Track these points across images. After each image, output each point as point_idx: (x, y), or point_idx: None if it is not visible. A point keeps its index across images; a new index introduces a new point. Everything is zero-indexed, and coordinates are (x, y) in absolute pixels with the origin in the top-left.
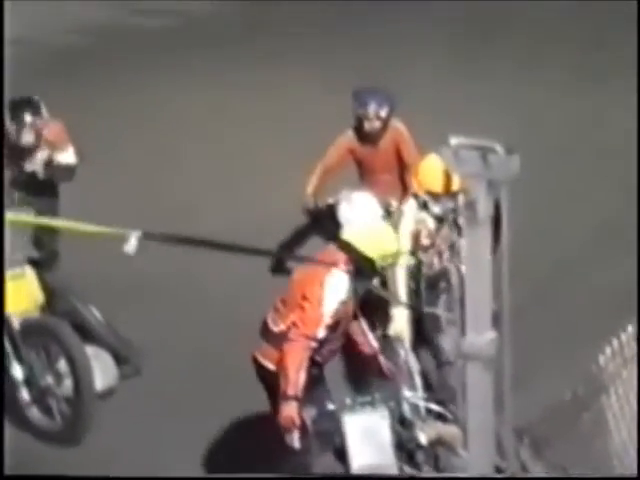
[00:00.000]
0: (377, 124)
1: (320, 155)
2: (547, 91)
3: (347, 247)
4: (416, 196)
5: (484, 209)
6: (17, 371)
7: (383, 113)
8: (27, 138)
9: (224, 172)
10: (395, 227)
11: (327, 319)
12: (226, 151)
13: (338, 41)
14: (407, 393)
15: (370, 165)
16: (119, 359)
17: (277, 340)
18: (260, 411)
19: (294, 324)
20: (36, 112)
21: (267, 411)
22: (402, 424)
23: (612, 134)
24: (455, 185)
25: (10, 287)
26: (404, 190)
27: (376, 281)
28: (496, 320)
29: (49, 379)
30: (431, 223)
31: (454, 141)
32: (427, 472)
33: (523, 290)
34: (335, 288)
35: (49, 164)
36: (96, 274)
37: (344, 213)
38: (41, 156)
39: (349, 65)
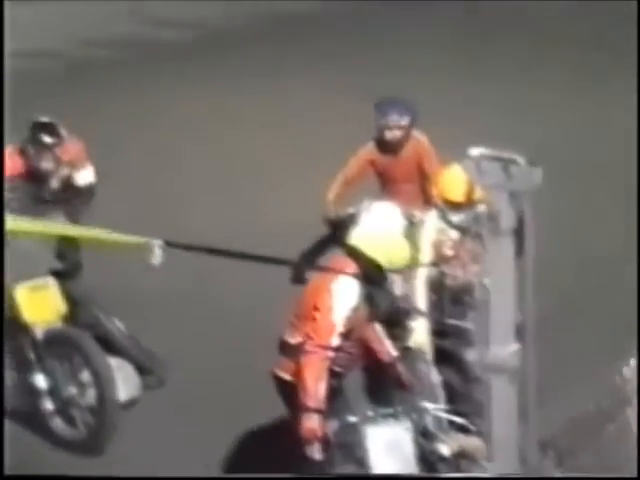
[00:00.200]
0: (398, 134)
1: (342, 164)
2: (565, 97)
3: (353, 252)
4: (438, 206)
5: (506, 220)
6: (40, 381)
7: (404, 123)
8: (47, 162)
9: (242, 183)
10: (418, 238)
11: (340, 327)
12: (243, 162)
13: (355, 49)
14: (429, 405)
15: (392, 175)
16: (142, 370)
17: (294, 352)
18: (281, 423)
19: (308, 336)
20: (55, 135)
21: (288, 423)
22: (424, 436)
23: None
24: (476, 195)
25: (33, 298)
26: (425, 201)
27: (397, 292)
28: (520, 332)
29: (72, 389)
30: (454, 234)
31: (474, 152)
32: None
33: (547, 302)
34: (344, 295)
35: (68, 184)
36: (119, 285)
37: (365, 223)
38: (60, 176)
39: (369, 74)
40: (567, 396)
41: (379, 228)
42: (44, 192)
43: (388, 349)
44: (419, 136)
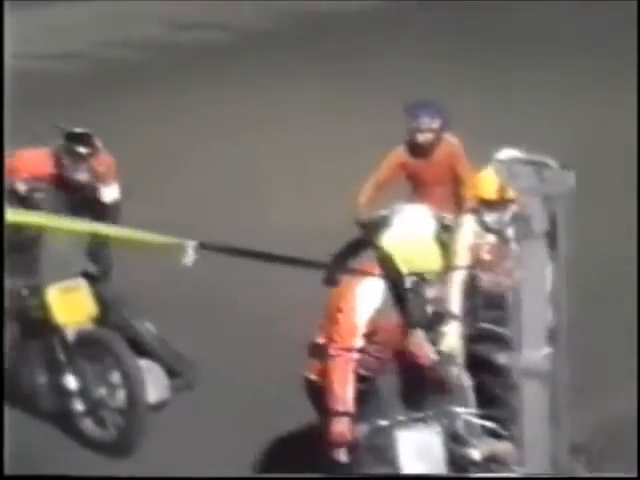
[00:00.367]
0: (430, 137)
1: (374, 167)
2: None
3: (383, 257)
4: (475, 210)
5: (539, 224)
6: (71, 382)
7: (435, 125)
8: (82, 173)
9: (273, 185)
10: (451, 241)
11: (362, 328)
12: (274, 164)
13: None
14: (460, 409)
15: (423, 178)
16: (171, 372)
17: (320, 352)
18: (311, 426)
19: (331, 338)
20: (90, 146)
21: (318, 425)
22: (455, 441)
23: None
24: (509, 194)
25: (65, 299)
26: (457, 204)
27: (430, 295)
28: (553, 335)
29: (102, 391)
30: (491, 238)
31: (503, 155)
32: None
33: (580, 305)
34: (367, 296)
35: (95, 198)
36: (149, 288)
37: (397, 225)
38: (92, 188)
39: (399, 81)
40: (600, 400)
41: (411, 232)
42: (74, 202)
43: (428, 353)
44: (450, 139)
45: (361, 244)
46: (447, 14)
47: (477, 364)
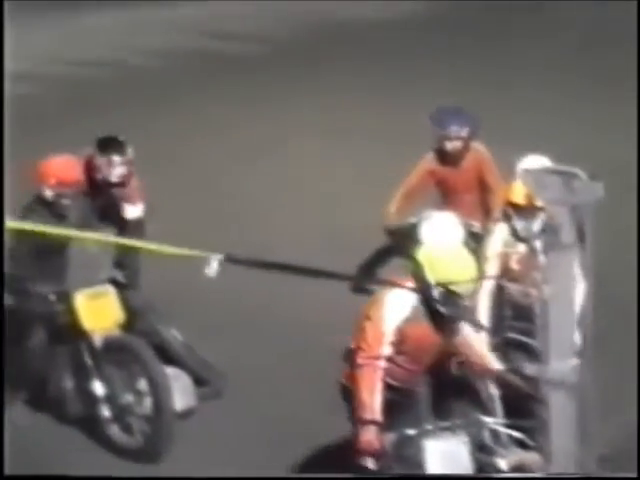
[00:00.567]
0: (458, 144)
1: (403, 175)
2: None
3: (413, 265)
4: (506, 217)
5: (567, 234)
6: (98, 388)
7: (464, 133)
8: (115, 175)
9: (301, 191)
10: (479, 249)
11: (389, 336)
12: (304, 174)
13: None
14: (487, 419)
15: (452, 185)
16: (199, 380)
17: (351, 359)
18: (341, 435)
19: (358, 347)
20: (123, 152)
21: (347, 434)
22: (482, 450)
23: None
24: (539, 202)
25: (92, 305)
26: (485, 212)
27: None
28: (580, 347)
29: (129, 397)
30: (521, 247)
31: (530, 163)
32: None
33: (608, 315)
34: (397, 305)
35: (118, 211)
36: (177, 295)
37: (425, 233)
38: (119, 197)
39: (428, 88)
40: (628, 411)
41: (440, 240)
42: (100, 209)
43: (491, 362)
44: (479, 147)
45: (390, 252)
46: (467, 21)
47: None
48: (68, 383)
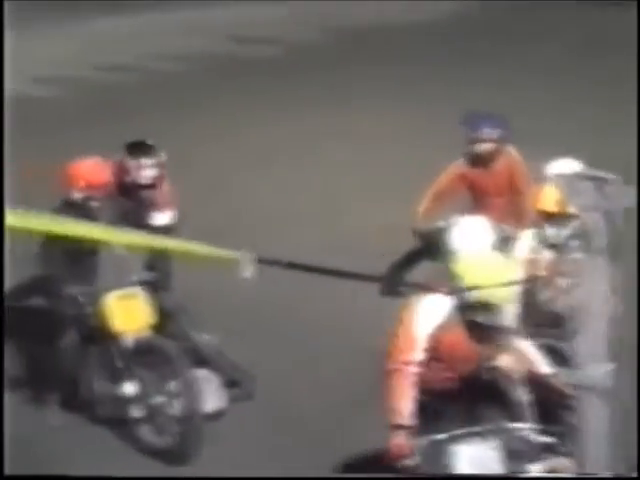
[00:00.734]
0: (489, 146)
1: (425, 180)
2: None
3: (451, 274)
4: (537, 224)
5: (600, 239)
6: (129, 389)
7: (495, 136)
8: (145, 177)
9: (327, 195)
10: (508, 254)
11: (422, 342)
12: (333, 177)
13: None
14: (518, 425)
15: (483, 189)
16: (229, 382)
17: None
18: (371, 439)
19: (390, 352)
20: (152, 155)
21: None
22: (512, 456)
23: None
24: (571, 209)
25: (123, 306)
26: (516, 215)
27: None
28: (614, 352)
29: (160, 398)
30: (548, 254)
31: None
32: None
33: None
34: (429, 312)
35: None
36: (208, 298)
37: (457, 238)
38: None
39: (455, 94)
40: None
41: (481, 250)
42: (129, 212)
43: (541, 366)
44: (511, 150)
45: (420, 255)
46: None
47: (536, 380)
48: (99, 384)
